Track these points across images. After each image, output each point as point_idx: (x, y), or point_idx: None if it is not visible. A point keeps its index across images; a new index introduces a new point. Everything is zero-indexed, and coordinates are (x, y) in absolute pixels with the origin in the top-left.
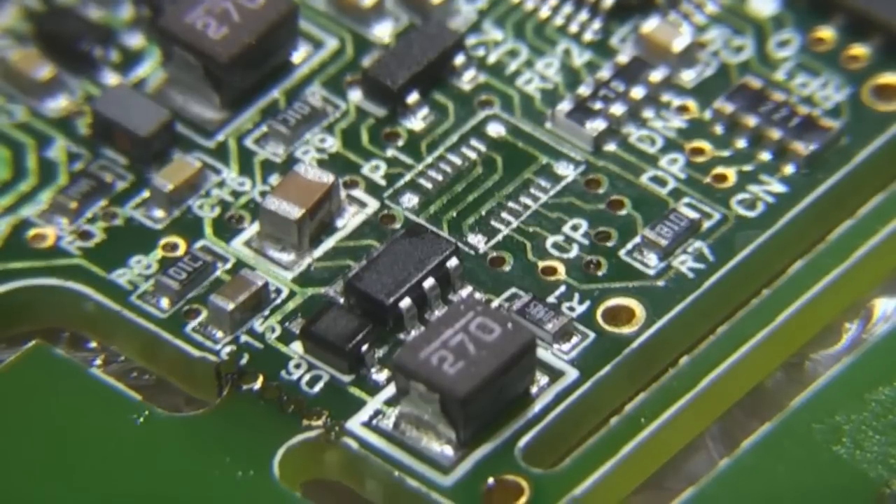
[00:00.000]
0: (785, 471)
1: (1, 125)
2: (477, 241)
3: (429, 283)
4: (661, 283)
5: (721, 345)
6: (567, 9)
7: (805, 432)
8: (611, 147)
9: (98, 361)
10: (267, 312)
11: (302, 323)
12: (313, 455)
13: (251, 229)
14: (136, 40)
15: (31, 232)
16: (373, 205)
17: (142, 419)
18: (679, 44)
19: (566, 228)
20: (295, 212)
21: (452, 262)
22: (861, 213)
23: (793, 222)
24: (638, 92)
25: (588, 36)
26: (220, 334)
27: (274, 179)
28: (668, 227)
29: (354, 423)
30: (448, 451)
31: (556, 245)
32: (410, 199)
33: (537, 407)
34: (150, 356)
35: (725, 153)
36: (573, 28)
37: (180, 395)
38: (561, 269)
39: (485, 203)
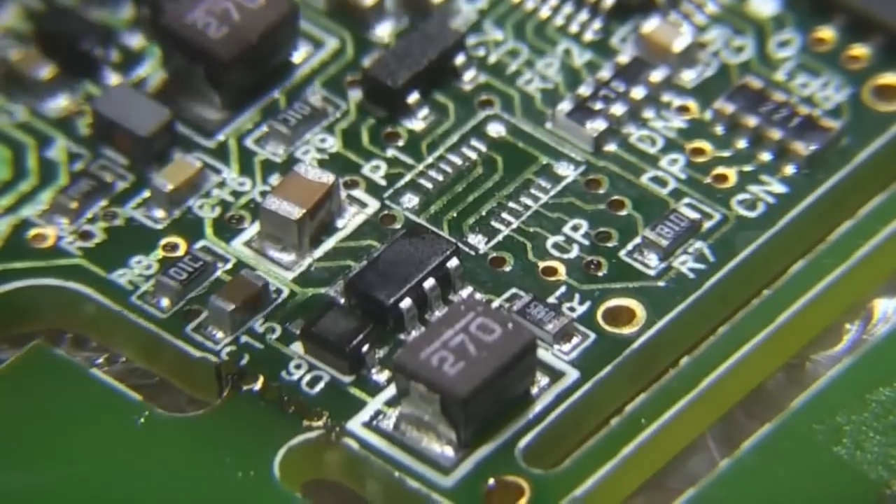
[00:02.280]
0: (785, 471)
1: (1, 125)
2: (477, 241)
3: (429, 283)
4: (661, 283)
5: (721, 345)
6: (567, 9)
7: (805, 433)
8: (611, 147)
9: (100, 361)
10: (267, 313)
11: (302, 323)
12: (314, 455)
13: (251, 229)
14: (136, 40)
15: (32, 232)
16: (373, 205)
17: (142, 419)
18: (679, 44)
19: (567, 229)
20: (295, 212)
21: (453, 262)
22: (861, 213)
23: (793, 222)
24: (638, 92)
25: (588, 36)
26: (220, 335)
27: (274, 179)
28: (669, 227)
29: (355, 424)
30: (448, 451)
31: (556, 245)
32: (411, 200)
33: (538, 407)
34: (150, 357)
35: (726, 153)
36: (573, 28)
37: (183, 395)
38: (561, 269)
39: (485, 203)
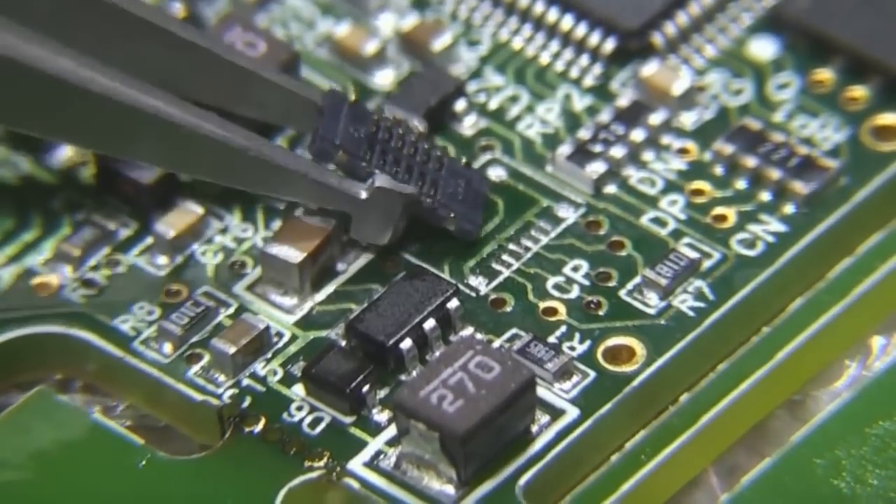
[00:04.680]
0: None
1: (6, 176)
2: (478, 283)
3: (429, 324)
4: (661, 321)
5: (721, 382)
6: (568, 55)
7: (806, 467)
8: (611, 189)
9: (122, 407)
10: (269, 356)
11: (303, 365)
12: (315, 496)
13: (253, 274)
14: None
15: (36, 280)
16: (374, 248)
17: (144, 462)
18: (678, 87)
19: (567, 269)
20: (296, 256)
21: (453, 303)
22: (860, 251)
23: (792, 261)
24: (638, 135)
25: (588, 81)
26: (222, 378)
27: (276, 226)
28: (669, 266)
29: (356, 464)
30: (449, 489)
31: (556, 286)
32: (412, 243)
33: (538, 445)
34: (153, 402)
35: (725, 193)
36: (574, 73)
37: (195, 440)
38: (562, 309)
39: (486, 246)
